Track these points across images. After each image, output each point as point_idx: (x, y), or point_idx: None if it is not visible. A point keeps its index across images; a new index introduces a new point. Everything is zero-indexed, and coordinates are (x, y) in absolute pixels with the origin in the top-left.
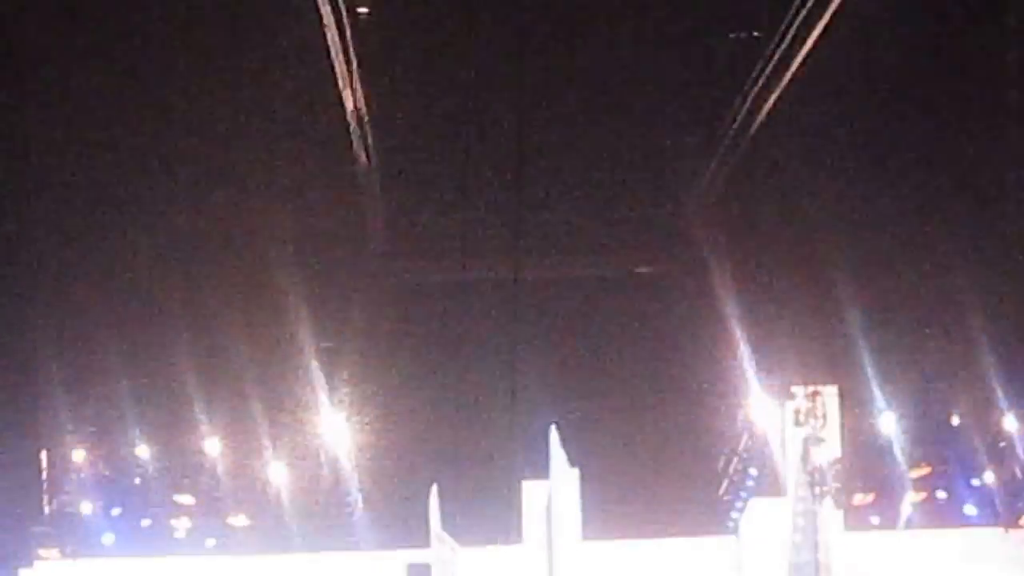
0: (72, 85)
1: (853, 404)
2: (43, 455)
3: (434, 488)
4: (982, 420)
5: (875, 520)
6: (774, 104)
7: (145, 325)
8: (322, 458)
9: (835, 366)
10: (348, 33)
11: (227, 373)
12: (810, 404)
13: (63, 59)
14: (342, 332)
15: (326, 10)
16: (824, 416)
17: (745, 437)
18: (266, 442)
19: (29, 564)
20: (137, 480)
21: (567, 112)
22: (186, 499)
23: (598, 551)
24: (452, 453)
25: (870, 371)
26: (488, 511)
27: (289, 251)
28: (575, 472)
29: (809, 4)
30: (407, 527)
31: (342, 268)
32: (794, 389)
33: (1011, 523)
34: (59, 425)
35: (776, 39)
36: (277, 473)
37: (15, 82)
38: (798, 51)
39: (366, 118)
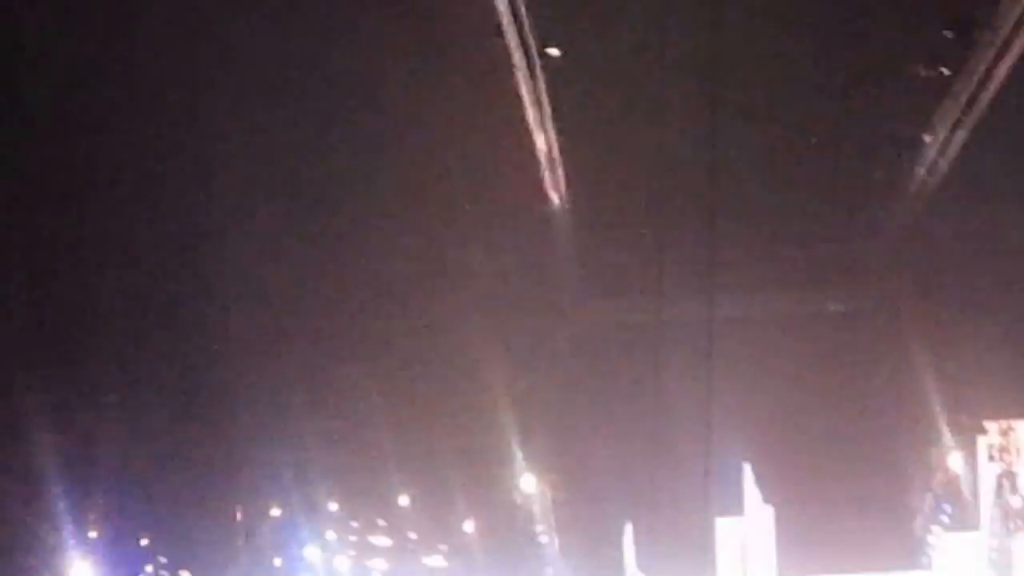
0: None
1: None
2: (238, 510)
3: (628, 526)
4: None
5: None
6: (964, 141)
7: (336, 382)
8: (516, 500)
9: None
10: (539, 75)
11: (419, 422)
12: (1004, 440)
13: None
14: (535, 372)
15: (517, 54)
16: (1018, 451)
17: (939, 472)
18: (459, 486)
19: None
20: (331, 532)
21: (759, 150)
22: (382, 541)
23: None
24: (647, 491)
25: None
26: (682, 548)
27: (482, 295)
28: (770, 509)
29: (999, 42)
30: (602, 566)
31: (535, 311)
32: (987, 424)
33: None
34: (256, 484)
35: (965, 76)
36: (471, 515)
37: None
38: (987, 87)
39: (558, 159)
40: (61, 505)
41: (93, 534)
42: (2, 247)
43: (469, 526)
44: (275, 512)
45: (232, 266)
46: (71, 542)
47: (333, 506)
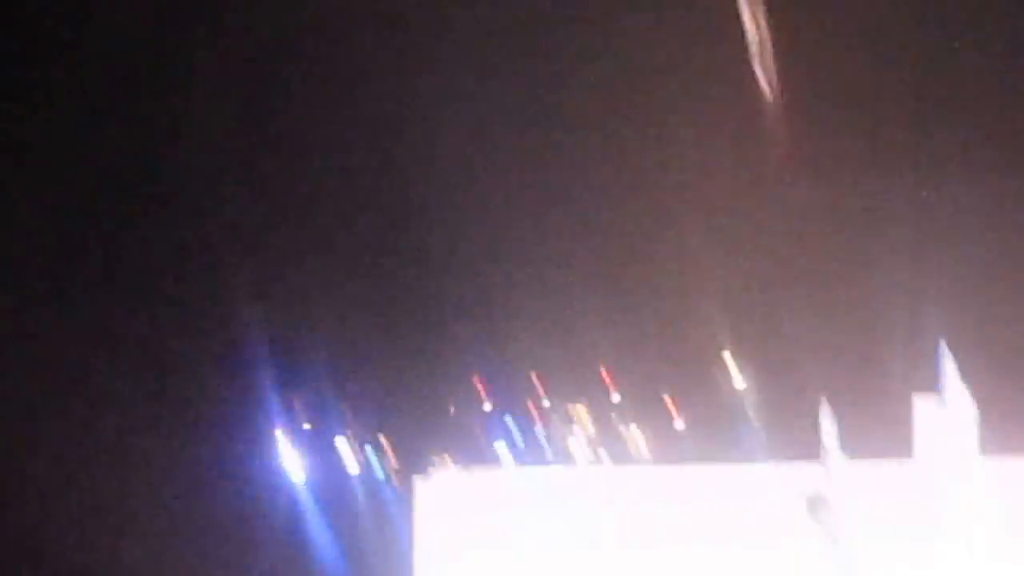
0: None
1: None
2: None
3: (824, 401)
4: None
5: None
6: None
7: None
8: (714, 371)
9: None
10: None
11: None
12: None
13: None
14: (740, 251)
15: None
16: None
17: None
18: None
19: (423, 472)
20: (534, 400)
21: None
22: (581, 409)
23: (994, 466)
24: (842, 366)
25: None
26: (879, 425)
27: (691, 178)
28: (966, 386)
29: None
30: (799, 441)
31: (743, 194)
32: None
33: None
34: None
35: None
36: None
37: None
38: None
39: (769, 41)
40: None
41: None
42: None
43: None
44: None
45: None
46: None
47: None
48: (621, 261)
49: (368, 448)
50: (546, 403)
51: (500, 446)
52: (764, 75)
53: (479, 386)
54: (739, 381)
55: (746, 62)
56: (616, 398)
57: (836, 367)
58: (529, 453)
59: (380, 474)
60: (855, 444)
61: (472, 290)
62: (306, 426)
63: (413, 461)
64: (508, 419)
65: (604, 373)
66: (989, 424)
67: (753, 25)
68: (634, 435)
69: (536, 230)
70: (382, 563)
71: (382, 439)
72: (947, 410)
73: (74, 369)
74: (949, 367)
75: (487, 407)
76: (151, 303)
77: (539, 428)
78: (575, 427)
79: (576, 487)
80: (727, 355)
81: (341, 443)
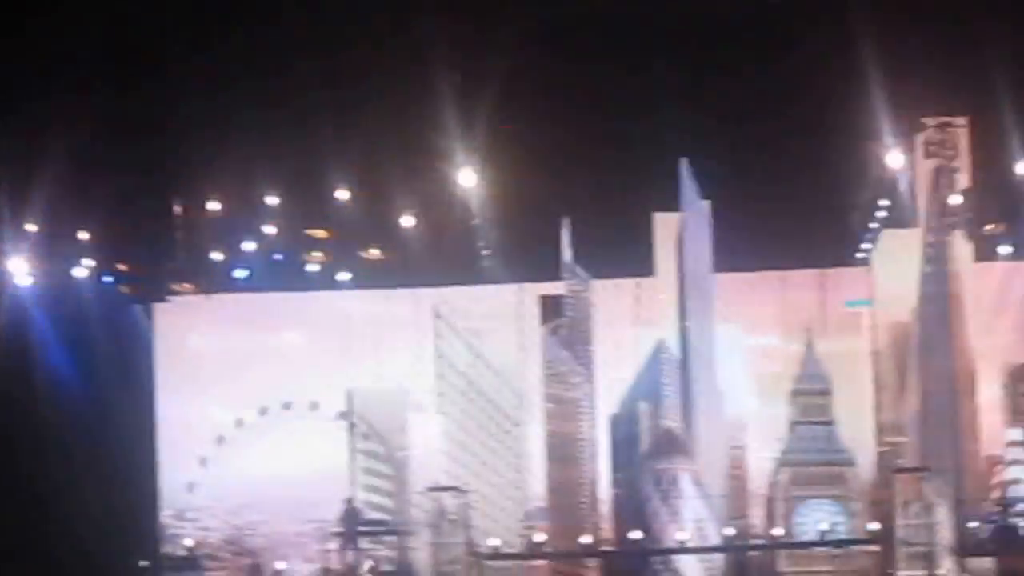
0: None
1: (985, 135)
2: (177, 206)
3: (565, 220)
4: None
5: (1006, 250)
6: None
7: (279, 76)
8: (455, 193)
9: (968, 97)
10: None
11: (361, 118)
12: (941, 135)
13: None
14: (478, 70)
15: None
16: (955, 147)
17: (875, 169)
18: (399, 184)
19: (164, 299)
20: (271, 225)
21: None
22: (320, 234)
23: (728, 282)
24: (583, 185)
25: (1004, 102)
26: (620, 243)
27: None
28: (706, 204)
29: None
30: (540, 261)
31: (482, 8)
32: (925, 120)
33: None
34: (195, 177)
35: None
36: (411, 210)
37: None
38: None
39: None
40: None
41: (31, 227)
42: None
43: (407, 220)
44: (213, 206)
45: None
46: (7, 235)
47: (272, 200)
48: (356, 86)
49: (108, 276)
50: (283, 229)
51: (238, 272)
52: None
53: (217, 213)
54: (480, 203)
55: None
56: (355, 223)
57: (577, 189)
58: (267, 278)
59: (120, 301)
60: (597, 264)
61: (212, 119)
62: (45, 256)
63: (153, 288)
64: (246, 245)
65: (342, 198)
66: (727, 242)
67: None
68: (372, 259)
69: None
70: (123, 386)
71: (122, 267)
72: (687, 229)
73: None
74: (689, 187)
75: (224, 233)
76: None
77: (277, 254)
78: (313, 253)
79: (311, 310)
80: (466, 177)
81: (81, 272)
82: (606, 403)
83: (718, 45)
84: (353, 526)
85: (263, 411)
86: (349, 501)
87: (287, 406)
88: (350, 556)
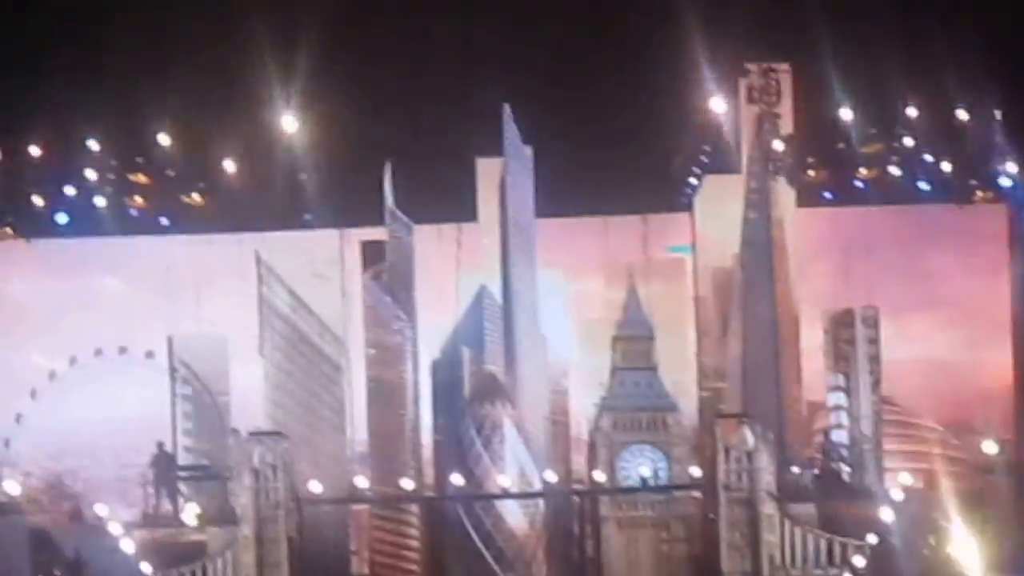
0: None
1: (807, 82)
2: None
3: (387, 166)
4: (935, 107)
5: (828, 196)
6: None
7: (99, 22)
8: (277, 138)
9: (790, 43)
10: None
11: (181, 66)
12: (764, 81)
13: None
14: (299, 14)
15: None
16: (778, 93)
17: (698, 114)
18: (220, 131)
19: None
20: (91, 171)
21: None
22: (140, 178)
23: (551, 228)
24: (406, 131)
25: (826, 49)
26: (442, 189)
27: None
28: (529, 149)
29: None
30: (362, 207)
31: None
32: (748, 66)
33: (964, 199)
34: (14, 120)
35: None
36: (234, 155)
37: None
38: None
39: None
40: None
41: None
42: None
43: (230, 165)
44: (34, 151)
45: None
46: None
47: (93, 144)
48: (177, 32)
49: None
50: (105, 172)
51: (59, 217)
52: None
53: (38, 157)
54: (302, 149)
55: None
56: (175, 167)
57: (399, 134)
58: (88, 224)
59: None
60: (419, 209)
61: (33, 63)
62: None
63: None
64: (67, 190)
65: (163, 143)
66: (549, 187)
67: None
68: (194, 204)
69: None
70: None
71: None
72: (509, 174)
73: None
74: (511, 132)
75: (45, 177)
76: None
77: (98, 198)
78: (135, 198)
79: (134, 256)
80: (288, 122)
81: None
82: (428, 348)
83: None
84: (167, 470)
85: (77, 359)
86: (160, 445)
87: (100, 353)
88: (168, 501)
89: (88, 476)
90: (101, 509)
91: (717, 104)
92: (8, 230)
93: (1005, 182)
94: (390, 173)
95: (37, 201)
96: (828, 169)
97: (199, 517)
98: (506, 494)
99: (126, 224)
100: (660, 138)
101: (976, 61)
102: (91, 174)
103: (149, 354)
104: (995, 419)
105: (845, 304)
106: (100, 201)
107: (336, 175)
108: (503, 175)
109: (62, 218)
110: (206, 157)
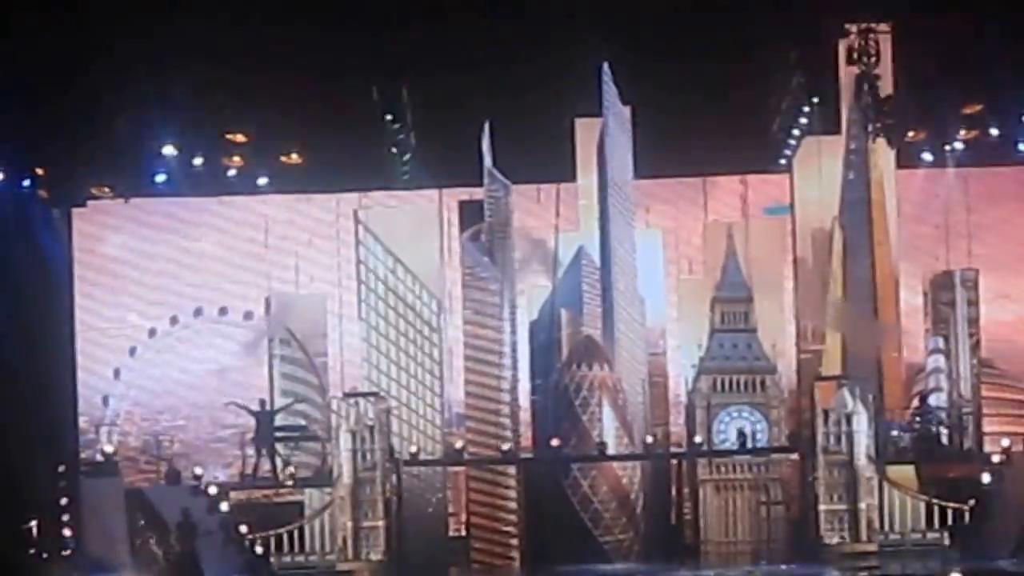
0: None
1: (907, 42)
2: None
3: (486, 126)
4: None
5: (927, 157)
6: None
7: None
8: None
9: (891, 3)
10: None
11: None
12: (864, 41)
13: None
14: None
15: None
16: (878, 54)
17: (798, 75)
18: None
19: (82, 203)
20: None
21: None
22: (239, 138)
23: (649, 188)
24: (504, 90)
25: (927, 7)
26: (541, 148)
27: None
28: (627, 109)
29: None
30: (460, 166)
31: None
32: (848, 26)
33: None
34: (114, 83)
35: None
36: (331, 114)
37: None
38: None
39: None
40: None
41: None
42: None
43: (327, 125)
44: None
45: None
46: None
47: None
48: None
49: (27, 180)
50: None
51: (158, 177)
52: None
53: (139, 118)
54: (401, 108)
55: None
56: (274, 127)
57: (499, 93)
58: (186, 183)
59: (39, 204)
60: (518, 169)
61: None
62: None
63: (71, 192)
64: (165, 149)
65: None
66: (648, 147)
67: None
68: (292, 163)
69: None
70: (42, 293)
71: (39, 171)
72: (608, 134)
73: None
74: (610, 92)
75: (144, 137)
76: None
77: (197, 160)
78: (233, 158)
79: (232, 216)
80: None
81: None
82: (526, 310)
83: None
84: (265, 431)
85: (178, 320)
86: (262, 404)
87: (200, 313)
88: (267, 462)
89: (185, 437)
90: (198, 470)
91: (817, 65)
92: (107, 189)
93: None
94: (488, 133)
95: (135, 160)
96: (927, 130)
97: (296, 478)
98: (604, 456)
99: (223, 184)
100: (760, 98)
101: None
102: (189, 139)
103: (247, 315)
104: None
105: (944, 266)
106: (198, 160)
107: (435, 133)
108: (602, 135)
109: (160, 177)
110: (304, 116)
